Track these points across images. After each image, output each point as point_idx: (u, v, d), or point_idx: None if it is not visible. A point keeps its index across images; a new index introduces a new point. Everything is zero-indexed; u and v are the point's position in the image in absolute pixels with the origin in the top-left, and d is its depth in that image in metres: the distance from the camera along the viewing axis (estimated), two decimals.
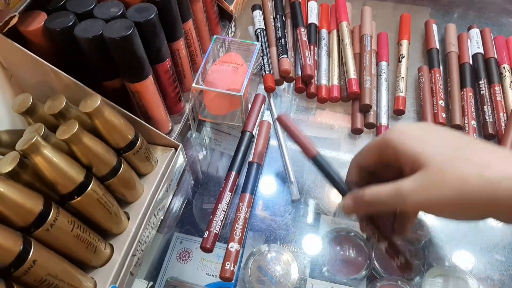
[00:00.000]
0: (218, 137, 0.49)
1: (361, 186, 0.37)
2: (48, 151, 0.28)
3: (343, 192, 0.37)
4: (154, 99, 0.39)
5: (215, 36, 0.47)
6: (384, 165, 0.34)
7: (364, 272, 0.38)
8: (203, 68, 0.45)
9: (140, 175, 0.38)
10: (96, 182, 0.32)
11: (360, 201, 0.33)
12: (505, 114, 0.46)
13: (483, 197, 0.27)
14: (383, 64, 0.51)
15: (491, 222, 0.41)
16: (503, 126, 0.45)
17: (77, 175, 0.30)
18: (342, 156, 0.46)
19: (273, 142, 0.48)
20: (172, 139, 0.41)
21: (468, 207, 0.28)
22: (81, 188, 0.30)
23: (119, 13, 0.35)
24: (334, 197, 0.43)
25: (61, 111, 0.31)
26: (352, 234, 0.40)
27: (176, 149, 0.41)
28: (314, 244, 0.40)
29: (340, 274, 0.38)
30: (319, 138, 0.48)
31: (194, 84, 0.43)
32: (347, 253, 0.39)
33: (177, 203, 0.43)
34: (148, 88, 0.38)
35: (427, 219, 0.41)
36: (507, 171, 0.27)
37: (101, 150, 0.32)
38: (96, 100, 0.32)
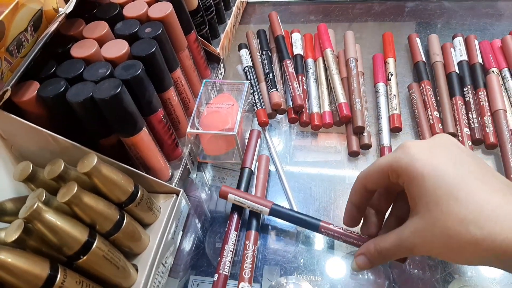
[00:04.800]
0: (222, 175, 0.50)
1: (362, 211, 0.37)
2: (49, 216, 0.29)
3: (315, 227, 0.39)
4: (151, 150, 0.40)
5: (204, 80, 0.49)
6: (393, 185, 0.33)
7: None
8: (196, 112, 0.46)
9: (145, 225, 0.39)
10: (101, 239, 0.32)
11: (372, 258, 0.34)
12: (490, 117, 0.46)
13: (469, 253, 0.27)
14: (380, 85, 0.52)
15: None
16: (487, 130, 0.46)
17: (81, 234, 0.30)
18: (347, 176, 0.47)
19: (274, 172, 0.48)
20: (173, 185, 0.42)
21: (461, 257, 0.28)
22: (86, 247, 0.31)
23: (108, 73, 0.37)
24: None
25: (60, 175, 0.33)
26: None
27: (177, 195, 0.42)
28: (330, 270, 0.40)
29: None
30: (323, 162, 0.49)
31: (188, 129, 0.44)
32: (365, 276, 0.39)
33: (187, 247, 0.44)
34: (143, 140, 0.39)
35: None
36: (492, 229, 0.26)
37: (103, 207, 0.33)
38: (92, 160, 0.33)
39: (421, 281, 0.38)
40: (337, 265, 0.40)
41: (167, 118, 0.43)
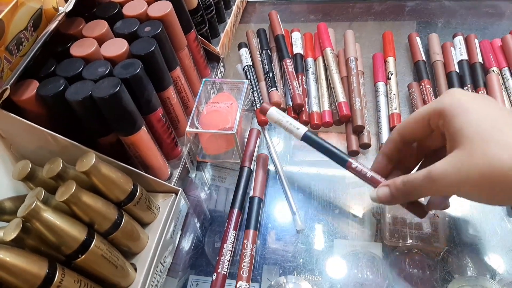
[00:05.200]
0: (221, 174, 0.50)
1: (392, 162, 0.37)
2: (48, 215, 0.29)
3: (343, 162, 0.38)
4: (150, 148, 0.40)
5: (204, 80, 0.49)
6: (427, 137, 0.34)
7: None
8: (196, 111, 0.46)
9: (144, 224, 0.39)
10: (99, 238, 0.32)
11: (396, 191, 0.34)
12: None
13: (508, 182, 0.26)
14: (380, 84, 0.52)
15: None
16: None
17: (79, 233, 0.31)
18: (347, 176, 0.46)
19: (273, 172, 0.48)
20: (172, 184, 0.42)
21: (495, 191, 0.28)
22: (84, 246, 0.31)
23: (107, 72, 0.37)
24: (344, 220, 0.43)
25: (59, 174, 0.33)
26: (369, 255, 0.40)
27: (176, 194, 0.41)
28: (330, 270, 0.40)
29: None
30: (323, 162, 0.48)
31: (188, 128, 0.44)
32: (365, 276, 0.39)
33: (186, 246, 0.43)
34: (142, 139, 0.39)
35: (444, 229, 0.41)
36: None
37: (101, 206, 0.33)
38: (91, 159, 0.33)
39: (420, 280, 0.38)
40: (337, 265, 0.40)
41: (166, 117, 0.43)
